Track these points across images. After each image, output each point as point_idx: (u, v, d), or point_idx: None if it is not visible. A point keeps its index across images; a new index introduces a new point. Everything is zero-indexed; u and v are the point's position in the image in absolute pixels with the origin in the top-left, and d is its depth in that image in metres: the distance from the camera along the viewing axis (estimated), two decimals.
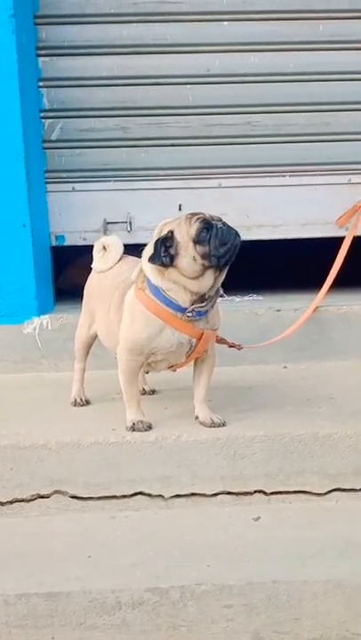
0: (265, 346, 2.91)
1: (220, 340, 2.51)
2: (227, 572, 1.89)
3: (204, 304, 2.25)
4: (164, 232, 2.23)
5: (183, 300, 2.23)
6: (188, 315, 2.23)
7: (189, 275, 2.20)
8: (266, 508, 2.24)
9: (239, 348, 2.64)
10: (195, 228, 2.18)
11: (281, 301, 3.29)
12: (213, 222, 2.19)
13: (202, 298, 2.25)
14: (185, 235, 2.19)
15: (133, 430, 2.30)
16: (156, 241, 2.21)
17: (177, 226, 2.22)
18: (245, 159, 3.32)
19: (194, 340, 2.28)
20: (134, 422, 2.32)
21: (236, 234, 2.22)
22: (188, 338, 2.26)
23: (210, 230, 2.17)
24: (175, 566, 1.92)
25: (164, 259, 2.19)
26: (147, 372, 2.59)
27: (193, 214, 2.23)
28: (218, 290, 2.30)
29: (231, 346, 2.61)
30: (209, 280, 2.22)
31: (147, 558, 1.97)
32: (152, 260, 2.21)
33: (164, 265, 2.20)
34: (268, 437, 2.26)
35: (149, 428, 2.31)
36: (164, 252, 2.19)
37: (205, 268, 2.20)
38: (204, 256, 2.18)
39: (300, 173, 3.34)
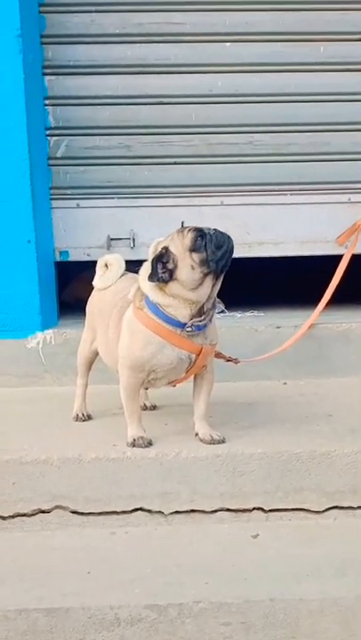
0: (261, 360, 2.94)
1: (218, 355, 2.55)
2: (225, 590, 1.91)
3: (202, 317, 2.29)
4: (159, 249, 2.27)
5: (183, 315, 2.27)
6: (187, 330, 2.27)
7: (189, 285, 2.25)
8: (264, 525, 2.27)
9: (236, 362, 2.67)
10: (189, 237, 2.24)
11: (281, 318, 3.32)
12: (205, 230, 2.25)
13: (200, 311, 2.28)
14: (180, 247, 2.24)
15: (134, 446, 2.33)
16: (153, 259, 2.26)
17: (170, 241, 2.27)
18: (247, 178, 3.36)
19: (193, 356, 2.31)
20: (135, 438, 2.35)
21: (229, 237, 2.28)
22: (187, 354, 2.30)
23: (204, 237, 2.23)
24: (173, 583, 1.95)
25: (163, 275, 2.24)
26: (146, 389, 2.62)
27: (184, 227, 2.30)
28: (215, 302, 2.33)
29: (228, 360, 2.64)
30: (207, 288, 2.26)
31: (145, 575, 1.99)
32: (151, 278, 2.25)
33: (163, 281, 2.25)
34: (267, 455, 2.29)
35: (150, 444, 2.34)
36: (162, 268, 2.24)
37: (205, 276, 2.24)
38: (202, 263, 2.22)
39: (301, 192, 3.38)
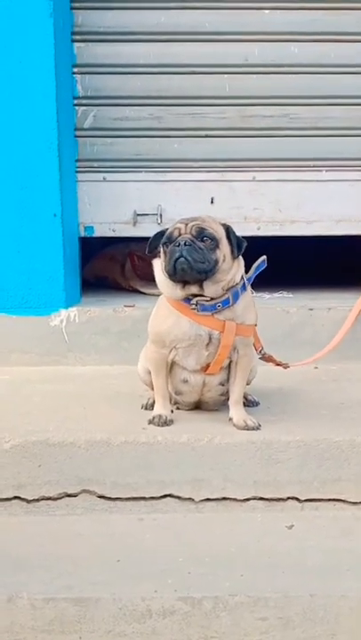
0: (312, 362, 2.76)
1: (268, 359, 2.48)
2: (261, 583, 1.82)
3: (208, 298, 2.20)
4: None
5: (177, 294, 2.23)
6: (192, 307, 2.20)
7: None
8: (299, 515, 2.18)
9: (286, 366, 2.56)
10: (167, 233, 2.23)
11: (312, 300, 3.21)
12: (175, 238, 2.18)
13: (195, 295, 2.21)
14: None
15: (151, 424, 2.27)
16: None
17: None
18: (281, 152, 3.23)
19: (215, 333, 2.21)
20: (153, 416, 2.29)
21: (187, 258, 2.13)
22: (207, 330, 2.21)
23: (170, 244, 2.18)
24: (207, 575, 1.86)
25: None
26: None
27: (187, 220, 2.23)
28: (235, 285, 2.22)
29: (278, 364, 2.54)
30: (174, 289, 2.23)
31: (177, 565, 1.91)
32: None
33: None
34: (305, 443, 2.19)
35: (165, 424, 2.27)
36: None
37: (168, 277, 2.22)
38: (163, 267, 2.22)
39: (337, 169, 3.25)
